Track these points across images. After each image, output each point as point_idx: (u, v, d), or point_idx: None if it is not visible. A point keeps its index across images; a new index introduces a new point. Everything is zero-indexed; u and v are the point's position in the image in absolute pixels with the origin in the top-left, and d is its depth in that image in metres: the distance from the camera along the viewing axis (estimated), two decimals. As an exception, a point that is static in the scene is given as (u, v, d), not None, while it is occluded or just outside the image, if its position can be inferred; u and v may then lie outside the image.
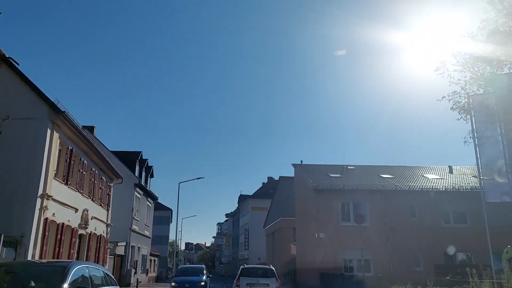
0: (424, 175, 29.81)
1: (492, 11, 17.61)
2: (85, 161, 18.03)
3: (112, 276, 6.37)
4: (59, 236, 14.95)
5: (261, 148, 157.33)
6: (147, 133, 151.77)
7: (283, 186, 47.85)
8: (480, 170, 14.69)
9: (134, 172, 31.76)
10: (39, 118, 13.66)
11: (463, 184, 27.04)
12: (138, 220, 32.54)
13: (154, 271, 43.66)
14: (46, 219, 13.58)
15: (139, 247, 33.53)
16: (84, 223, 18.05)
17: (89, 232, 19.18)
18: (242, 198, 70.68)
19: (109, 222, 23.06)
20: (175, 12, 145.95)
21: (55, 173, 14.54)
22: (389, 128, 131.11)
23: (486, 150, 14.47)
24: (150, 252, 39.40)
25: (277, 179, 55.63)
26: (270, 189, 61.58)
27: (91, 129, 30.62)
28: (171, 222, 57.40)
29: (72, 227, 16.56)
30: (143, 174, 35.70)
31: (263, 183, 71.21)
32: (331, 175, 28.80)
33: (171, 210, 54.94)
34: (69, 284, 4.15)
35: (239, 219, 71.54)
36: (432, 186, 26.53)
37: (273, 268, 17.05)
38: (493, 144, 14.32)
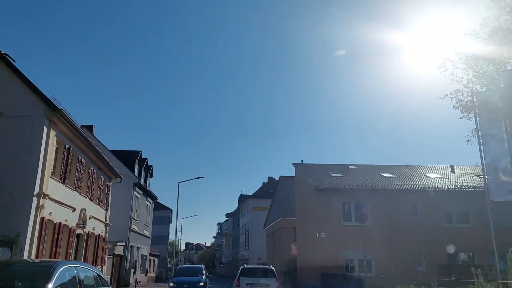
0: (426, 174, 29.56)
1: (495, 8, 17.39)
2: (83, 160, 17.80)
3: (104, 277, 6.12)
4: (56, 235, 14.73)
5: (261, 148, 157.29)
6: (147, 133, 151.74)
7: (284, 185, 47.64)
8: (485, 169, 14.43)
9: (133, 172, 31.54)
10: (35, 116, 13.46)
11: (466, 183, 26.78)
12: (137, 220, 32.31)
13: (153, 271, 43.46)
14: (42, 218, 13.37)
15: (138, 247, 33.31)
16: (82, 223, 17.82)
17: (87, 232, 18.96)
18: (242, 198, 70.45)
19: (107, 221, 22.84)
20: (175, 12, 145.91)
21: (52, 172, 14.32)
22: (389, 128, 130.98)
23: (490, 148, 14.23)
24: (150, 252, 39.18)
25: (277, 178, 55.42)
26: (270, 189, 61.37)
27: (90, 128, 30.40)
28: (171, 222, 57.15)
29: (70, 226, 16.35)
30: (143, 173, 35.47)
31: (263, 183, 71.05)
32: (332, 174, 28.54)
33: (171, 210, 54.67)
34: (54, 285, 3.92)
35: (239, 219, 71.32)
36: (434, 185, 26.26)
37: (273, 268, 17.00)
38: (497, 142, 14.07)
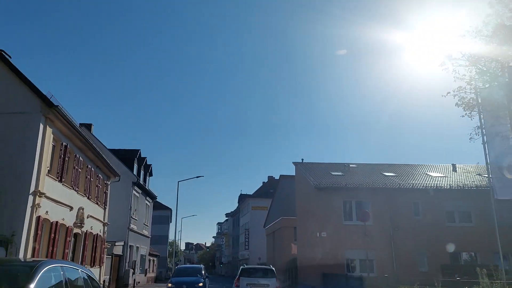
0: (427, 173, 29.30)
1: (497, 5, 17.17)
2: (80, 158, 17.54)
3: (96, 279, 5.85)
4: (52, 235, 14.48)
5: (261, 147, 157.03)
6: (147, 132, 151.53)
7: (284, 185, 47.33)
8: (489, 167, 14.19)
9: (132, 170, 31.27)
10: (31, 112, 13.19)
11: (468, 182, 26.52)
12: (136, 219, 32.04)
13: (153, 271, 43.19)
14: (38, 217, 13.11)
15: (137, 247, 33.03)
16: (80, 222, 17.57)
17: (85, 231, 18.71)
18: (242, 198, 70.17)
19: (106, 221, 22.57)
20: (175, 12, 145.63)
21: (48, 170, 14.05)
22: (390, 127, 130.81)
23: (494, 146, 14.02)
24: (149, 252, 38.90)
25: (278, 178, 55.14)
26: (270, 188, 61.09)
27: (88, 126, 30.18)
28: (170, 222, 56.91)
29: (67, 225, 16.10)
30: (142, 172, 35.21)
31: (263, 182, 70.74)
32: (333, 173, 28.28)
33: (170, 209, 54.40)
34: (36, 285, 3.66)
35: (239, 219, 71.05)
36: (436, 184, 25.99)
37: (273, 268, 16.92)
38: (502, 140, 13.86)
